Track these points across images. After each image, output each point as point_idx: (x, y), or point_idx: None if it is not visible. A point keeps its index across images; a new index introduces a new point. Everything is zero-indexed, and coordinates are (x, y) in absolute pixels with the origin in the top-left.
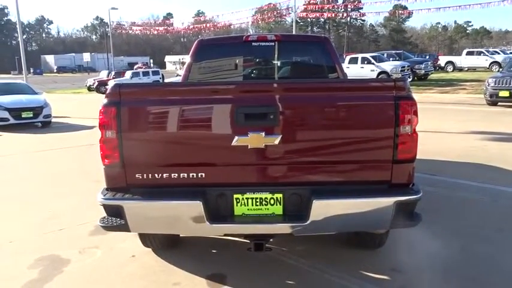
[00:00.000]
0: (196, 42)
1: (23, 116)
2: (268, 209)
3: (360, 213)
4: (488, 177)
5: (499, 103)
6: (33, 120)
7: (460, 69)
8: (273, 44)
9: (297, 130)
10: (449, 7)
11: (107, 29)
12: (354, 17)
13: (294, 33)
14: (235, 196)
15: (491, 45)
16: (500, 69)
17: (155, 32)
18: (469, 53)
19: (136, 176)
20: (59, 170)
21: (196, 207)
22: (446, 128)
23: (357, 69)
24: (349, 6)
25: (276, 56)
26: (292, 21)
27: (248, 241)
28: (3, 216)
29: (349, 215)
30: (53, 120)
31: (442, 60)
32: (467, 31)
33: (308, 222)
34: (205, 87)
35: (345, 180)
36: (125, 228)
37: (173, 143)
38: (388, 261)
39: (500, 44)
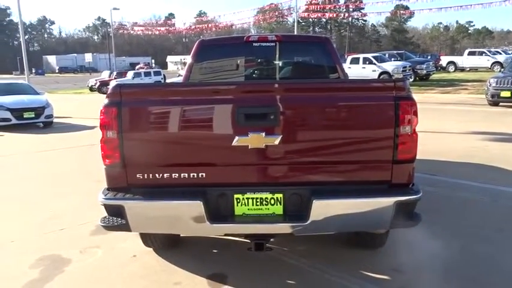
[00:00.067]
0: (197, 42)
1: (24, 116)
2: (268, 209)
3: (360, 213)
4: (489, 178)
5: (501, 103)
6: (35, 121)
7: (462, 70)
8: (274, 44)
9: (297, 130)
10: (450, 7)
11: (108, 29)
12: (355, 17)
13: (295, 33)
14: (235, 196)
15: (493, 46)
16: (502, 70)
17: (157, 32)
18: (470, 53)
19: (137, 176)
20: (60, 170)
21: (196, 207)
22: (447, 128)
23: (358, 69)
24: (350, 6)
25: (276, 56)
26: (294, 22)
27: (248, 241)
28: (5, 216)
29: (349, 215)
30: (55, 120)
31: (444, 60)
32: (469, 31)
33: (308, 222)
34: (206, 88)
35: (345, 180)
36: (125, 228)
37: (174, 143)
38: (389, 261)
39: (502, 44)
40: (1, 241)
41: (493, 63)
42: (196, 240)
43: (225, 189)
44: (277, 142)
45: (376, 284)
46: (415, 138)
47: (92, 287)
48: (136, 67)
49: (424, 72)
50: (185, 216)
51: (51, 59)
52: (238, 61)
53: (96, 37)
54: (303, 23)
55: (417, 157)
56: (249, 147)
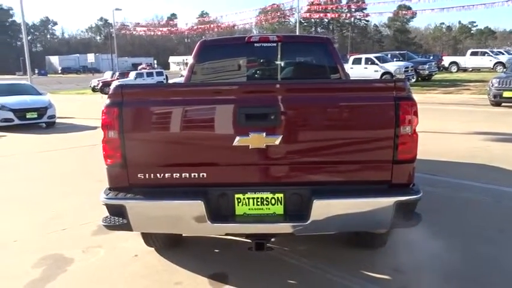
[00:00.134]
0: (199, 43)
1: (27, 116)
2: (269, 208)
3: (360, 213)
4: (491, 178)
5: (503, 104)
6: (37, 121)
7: (464, 70)
8: (275, 44)
9: (297, 130)
10: (452, 7)
11: (111, 30)
12: (357, 17)
13: (297, 33)
14: (236, 196)
15: (495, 46)
16: (505, 70)
17: (159, 33)
18: (473, 54)
19: (139, 175)
20: (62, 170)
21: (197, 206)
22: (449, 128)
23: (360, 69)
24: (352, 6)
25: (278, 56)
26: (296, 22)
27: (249, 241)
28: (7, 215)
29: (350, 214)
30: (57, 120)
31: (446, 60)
32: (472, 31)
33: (309, 222)
34: (207, 88)
35: (346, 180)
36: (127, 227)
37: (175, 143)
38: (390, 261)
39: (504, 44)
40: (4, 241)
41: (496, 63)
42: (198, 240)
43: (226, 189)
44: (277, 142)
45: (377, 284)
46: (415, 139)
47: (94, 286)
48: (139, 67)
49: (426, 72)
50: (186, 216)
51: (54, 60)
52: (240, 61)
53: (98, 38)
54: (305, 24)
55: (419, 157)
56: (250, 147)
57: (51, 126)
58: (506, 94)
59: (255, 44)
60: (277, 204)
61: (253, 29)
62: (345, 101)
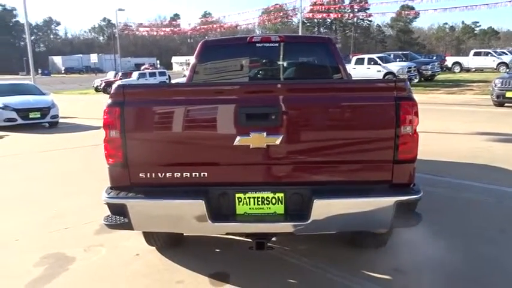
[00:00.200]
0: (200, 43)
1: (30, 116)
2: (269, 208)
3: (361, 212)
4: (493, 178)
5: (506, 104)
6: (40, 121)
7: (468, 70)
8: (277, 45)
9: (298, 130)
10: (455, 7)
11: (114, 30)
12: (360, 17)
13: (300, 34)
14: (237, 195)
15: (499, 46)
16: (508, 70)
17: (162, 33)
18: (476, 54)
19: (140, 175)
20: (65, 169)
21: (198, 206)
22: (452, 128)
23: (363, 70)
24: (355, 6)
25: (279, 56)
26: (298, 22)
27: (250, 240)
28: (10, 214)
29: (350, 214)
30: (60, 120)
31: (449, 60)
32: (475, 31)
33: (309, 221)
34: (207, 88)
35: (346, 180)
36: (128, 226)
37: (176, 142)
38: (391, 261)
39: (508, 44)
40: (6, 239)
41: (499, 63)
42: (199, 240)
43: (226, 189)
44: (278, 142)
45: (377, 284)
46: (415, 139)
47: (96, 285)
48: (142, 68)
49: (429, 72)
50: (187, 215)
51: (57, 60)
52: (241, 62)
53: (101, 38)
54: (308, 24)
55: (420, 157)
56: (251, 147)
57: (54, 126)
58: (509, 94)
59: (257, 44)
60: (278, 204)
61: (256, 29)
62: (346, 101)
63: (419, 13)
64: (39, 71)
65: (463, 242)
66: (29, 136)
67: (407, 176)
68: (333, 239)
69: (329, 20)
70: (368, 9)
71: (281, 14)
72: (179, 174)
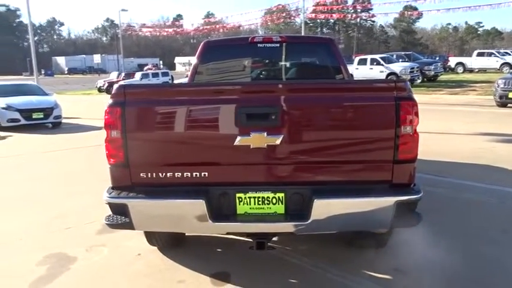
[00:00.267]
0: (202, 43)
1: (33, 116)
2: (270, 208)
3: (361, 212)
4: (496, 179)
5: (509, 104)
6: (43, 121)
7: (471, 71)
8: (278, 45)
9: (298, 130)
10: (459, 8)
11: (117, 31)
12: (363, 18)
13: (303, 34)
14: (237, 195)
15: (502, 46)
16: (511, 71)
17: (165, 34)
18: (479, 54)
19: (141, 175)
20: (68, 170)
21: (199, 206)
22: (454, 129)
23: (366, 70)
24: (358, 7)
25: (281, 57)
26: (301, 22)
27: (251, 240)
28: (13, 214)
29: (350, 214)
30: (64, 121)
31: (452, 61)
32: (478, 32)
33: (309, 221)
34: (208, 88)
35: (346, 180)
36: (129, 226)
37: (177, 142)
38: (391, 261)
39: (511, 45)
40: (9, 239)
41: (502, 64)
42: (200, 240)
43: (227, 189)
44: (278, 142)
45: (378, 284)
46: (416, 139)
47: (97, 284)
48: (145, 68)
49: (432, 73)
50: (188, 214)
51: (61, 60)
52: (243, 62)
53: (104, 38)
54: (311, 24)
55: (422, 158)
56: (251, 147)
57: (57, 127)
58: None
59: (258, 45)
60: (278, 204)
61: (258, 29)
62: (346, 101)
63: (422, 13)
64: (43, 72)
65: (464, 242)
66: (32, 136)
67: (407, 176)
68: (333, 239)
69: (332, 21)
70: (371, 9)
71: (284, 15)
72: (180, 174)
